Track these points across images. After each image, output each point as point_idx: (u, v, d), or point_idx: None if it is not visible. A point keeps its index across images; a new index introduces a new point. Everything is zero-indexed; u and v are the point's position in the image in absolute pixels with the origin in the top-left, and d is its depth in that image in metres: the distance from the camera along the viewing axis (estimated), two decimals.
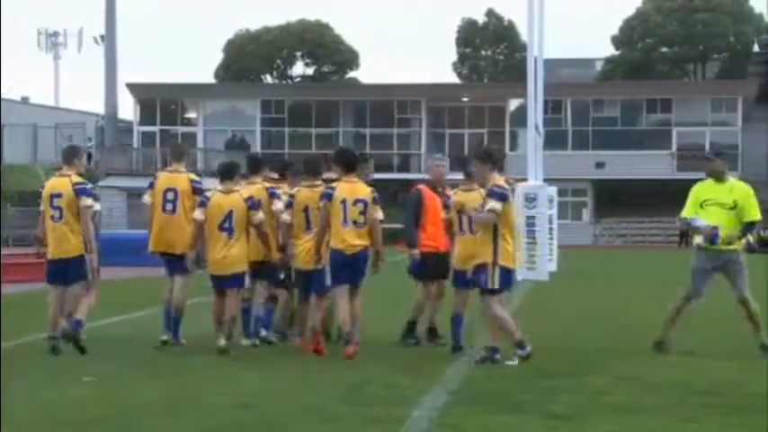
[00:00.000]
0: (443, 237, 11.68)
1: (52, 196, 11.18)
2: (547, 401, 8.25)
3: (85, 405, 8.13)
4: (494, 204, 10.38)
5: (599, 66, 74.31)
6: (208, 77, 77.06)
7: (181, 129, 58.96)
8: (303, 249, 11.19)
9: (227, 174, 11.53)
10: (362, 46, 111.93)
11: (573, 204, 53.84)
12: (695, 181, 12.03)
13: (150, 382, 9.20)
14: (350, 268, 10.79)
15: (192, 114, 60.07)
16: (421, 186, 12.10)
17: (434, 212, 11.75)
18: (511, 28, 76.52)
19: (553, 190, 15.17)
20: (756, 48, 63.76)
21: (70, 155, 11.60)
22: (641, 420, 7.60)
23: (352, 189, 10.85)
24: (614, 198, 53.28)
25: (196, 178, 11.98)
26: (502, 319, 10.35)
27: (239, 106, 59.40)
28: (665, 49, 72.80)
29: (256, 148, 56.26)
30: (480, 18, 78.44)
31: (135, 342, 12.17)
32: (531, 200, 14.54)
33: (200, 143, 56.96)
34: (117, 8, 54.71)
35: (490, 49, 78.52)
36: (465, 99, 58.89)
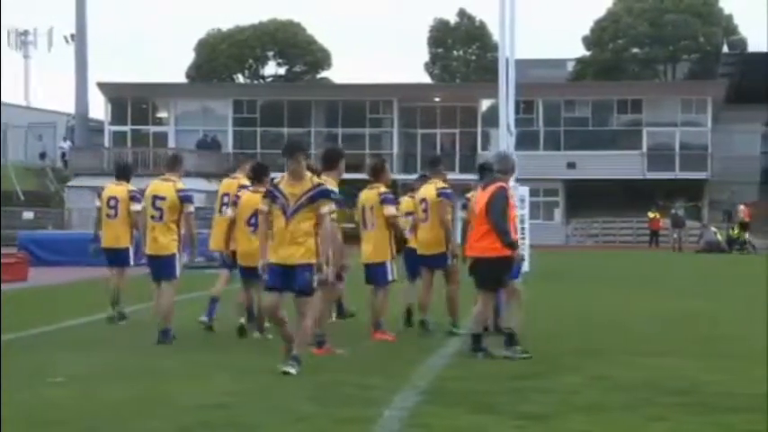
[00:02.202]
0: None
1: (155, 198, 12.27)
2: (518, 401, 8.28)
3: (57, 406, 8.10)
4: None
5: (570, 66, 74.62)
6: (179, 77, 76.88)
7: (152, 128, 58.76)
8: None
9: (261, 175, 12.44)
10: (334, 46, 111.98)
11: (545, 204, 54.01)
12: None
13: (122, 383, 9.17)
14: None
15: (163, 114, 59.86)
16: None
17: None
18: (482, 28, 76.75)
19: (525, 190, 15.30)
20: (726, 49, 64.13)
21: (174, 162, 12.80)
22: (611, 419, 7.65)
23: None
24: (586, 198, 53.50)
25: (183, 187, 12.43)
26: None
27: (211, 106, 59.24)
28: (635, 50, 73.25)
29: (228, 148, 56.18)
30: (452, 18, 78.68)
31: (107, 342, 12.15)
32: None
33: (171, 143, 56.75)
34: (87, 7, 54.54)
35: (462, 50, 78.72)
36: (437, 99, 58.97)
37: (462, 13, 78.41)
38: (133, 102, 58.34)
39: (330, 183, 10.75)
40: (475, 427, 7.40)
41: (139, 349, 11.48)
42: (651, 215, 50.71)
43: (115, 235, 14.62)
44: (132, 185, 14.74)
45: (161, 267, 12.27)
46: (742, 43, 66.26)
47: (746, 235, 45.55)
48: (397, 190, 15.45)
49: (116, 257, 14.69)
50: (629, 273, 27.96)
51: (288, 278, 9.60)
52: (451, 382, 9.27)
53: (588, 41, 74.42)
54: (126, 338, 12.59)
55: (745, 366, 10.24)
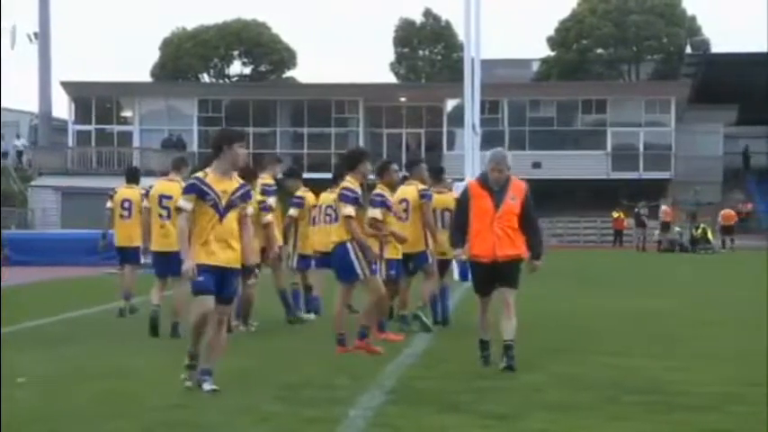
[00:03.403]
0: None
1: (162, 197, 13.11)
2: (483, 400, 8.32)
3: (20, 406, 8.05)
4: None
5: (535, 66, 74.88)
6: (144, 76, 76.52)
7: (117, 128, 58.43)
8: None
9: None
10: (300, 45, 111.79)
11: None
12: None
13: (84, 383, 9.13)
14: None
15: (128, 113, 59.51)
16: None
17: None
18: (448, 28, 76.89)
19: None
20: (689, 49, 64.57)
21: (179, 163, 13.66)
22: (574, 418, 7.69)
23: None
24: (550, 198, 53.67)
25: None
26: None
27: (176, 105, 58.96)
28: (599, 51, 73.62)
29: (193, 147, 55.95)
30: (418, 18, 78.77)
31: (69, 342, 12.09)
32: None
33: (136, 142, 56.46)
34: (51, 5, 54.15)
35: (427, 49, 78.83)
36: (402, 99, 59.01)
37: (428, 13, 78.52)
38: (97, 101, 57.97)
39: (352, 183, 11.10)
40: (440, 426, 7.43)
41: (102, 349, 11.43)
42: (615, 215, 51.03)
43: (128, 235, 15.35)
44: (141, 188, 15.21)
45: (170, 263, 12.53)
46: (705, 44, 66.71)
47: (667, 235, 46.20)
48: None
49: (129, 255, 15.43)
50: (593, 272, 28.11)
51: (220, 282, 8.90)
52: (417, 381, 9.29)
53: (553, 42, 74.71)
54: (89, 338, 12.53)
55: (706, 365, 10.34)
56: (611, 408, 8.04)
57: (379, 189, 12.26)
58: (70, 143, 56.51)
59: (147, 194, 13.75)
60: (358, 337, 11.17)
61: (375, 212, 11.86)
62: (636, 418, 7.67)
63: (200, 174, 9.05)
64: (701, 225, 46.89)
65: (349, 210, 11.10)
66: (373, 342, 11.34)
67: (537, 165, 55.03)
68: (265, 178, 13.83)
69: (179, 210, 9.03)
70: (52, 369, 9.95)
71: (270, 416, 7.68)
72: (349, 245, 11.11)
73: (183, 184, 12.51)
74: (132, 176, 15.91)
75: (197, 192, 8.90)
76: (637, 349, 11.59)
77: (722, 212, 48.83)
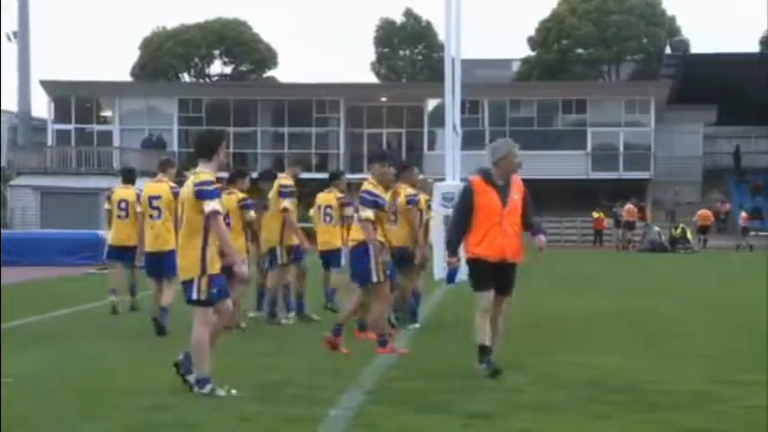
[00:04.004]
0: None
1: (151, 198, 13.34)
2: (464, 400, 8.33)
3: (4, 406, 8.02)
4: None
5: (515, 66, 75.02)
6: (124, 75, 76.32)
7: (96, 127, 58.19)
8: None
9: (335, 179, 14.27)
10: (281, 45, 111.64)
11: None
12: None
13: (67, 383, 9.11)
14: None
15: (107, 113, 59.28)
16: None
17: None
18: (429, 28, 77.02)
19: None
20: (668, 50, 64.82)
21: (165, 165, 13.83)
22: (554, 417, 7.73)
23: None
24: (531, 198, 53.78)
25: (176, 186, 13.21)
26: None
27: (156, 105, 58.77)
28: (580, 51, 73.81)
29: (173, 147, 55.80)
30: (398, 18, 78.85)
31: (51, 342, 12.05)
32: (448, 199, 14.67)
33: (116, 142, 56.23)
34: (30, 4, 53.90)
35: (408, 49, 78.91)
36: (383, 99, 59.00)
37: (408, 13, 78.63)
38: (77, 100, 57.73)
39: (374, 186, 11.32)
40: (421, 426, 7.44)
41: (85, 349, 11.40)
42: (595, 215, 51.17)
43: (126, 234, 15.48)
44: (138, 189, 15.39)
45: (161, 263, 12.94)
46: (684, 45, 66.99)
47: (629, 234, 46.69)
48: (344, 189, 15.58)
49: (124, 255, 15.59)
50: (574, 272, 28.17)
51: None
52: (398, 381, 9.30)
53: (533, 42, 74.87)
54: (71, 339, 12.50)
55: (686, 364, 10.40)
56: (592, 407, 8.08)
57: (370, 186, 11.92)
58: (50, 143, 56.27)
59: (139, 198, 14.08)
60: (380, 345, 11.17)
61: (368, 213, 11.73)
62: (616, 417, 7.71)
63: (212, 177, 8.70)
64: (681, 225, 47.12)
65: (368, 213, 11.13)
66: (342, 342, 11.36)
67: (517, 165, 55.06)
68: (284, 179, 13.87)
69: (217, 213, 8.58)
70: (35, 369, 9.92)
71: (251, 415, 7.68)
72: (370, 247, 11.16)
73: (171, 184, 13.05)
74: (128, 177, 16.09)
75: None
76: (616, 349, 11.63)
77: (699, 212, 49.11)
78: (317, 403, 8.14)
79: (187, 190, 8.73)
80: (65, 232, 32.86)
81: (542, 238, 9.98)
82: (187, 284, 8.65)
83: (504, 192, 9.61)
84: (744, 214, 49.32)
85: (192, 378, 8.64)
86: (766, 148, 61.02)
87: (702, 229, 47.84)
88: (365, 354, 10.96)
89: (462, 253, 9.93)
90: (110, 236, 15.91)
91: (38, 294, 18.08)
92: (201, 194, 8.54)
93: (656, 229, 47.28)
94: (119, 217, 15.60)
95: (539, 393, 8.68)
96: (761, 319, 14.25)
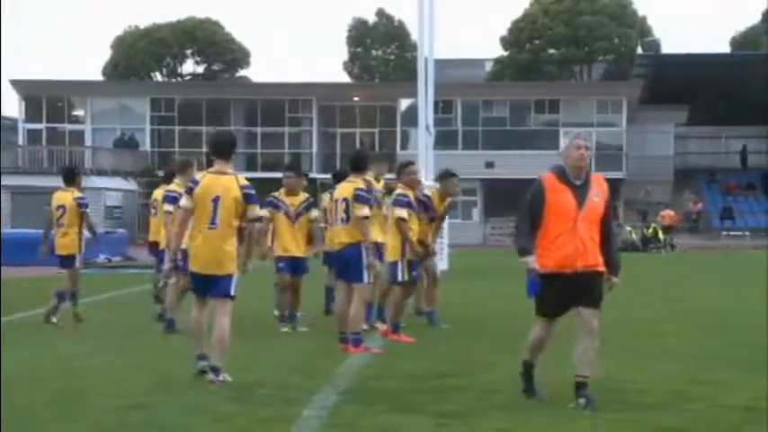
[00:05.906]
0: None
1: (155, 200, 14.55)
2: (438, 400, 8.32)
3: None
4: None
5: (488, 66, 75.22)
6: (96, 74, 75.94)
7: (68, 126, 57.95)
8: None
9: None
10: (253, 44, 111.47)
11: (463, 204, 54.23)
12: None
13: (39, 384, 9.04)
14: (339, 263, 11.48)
15: (79, 112, 59.03)
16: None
17: None
18: (401, 28, 77.09)
19: None
20: (640, 50, 65.14)
21: (185, 166, 13.68)
22: (530, 417, 7.72)
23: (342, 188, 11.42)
24: (504, 197, 53.90)
25: (168, 188, 13.78)
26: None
27: (128, 104, 58.55)
28: (552, 51, 74.05)
29: (146, 146, 55.61)
30: (371, 18, 78.89)
31: (23, 343, 11.96)
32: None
33: (88, 141, 56.02)
34: (0, 1, 53.53)
35: (381, 49, 78.95)
36: (356, 98, 59.01)
37: (381, 13, 78.68)
38: (48, 99, 57.46)
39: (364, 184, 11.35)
40: (395, 426, 7.42)
41: (55, 350, 11.31)
42: None
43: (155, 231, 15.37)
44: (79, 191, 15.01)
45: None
46: (656, 45, 67.39)
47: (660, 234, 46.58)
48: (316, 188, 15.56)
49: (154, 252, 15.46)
50: None
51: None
52: (372, 381, 9.28)
53: (506, 42, 75.06)
54: (41, 340, 12.41)
55: (659, 364, 10.42)
56: (566, 407, 8.07)
57: (401, 189, 12.65)
58: (21, 142, 55.96)
59: (173, 198, 13.01)
60: (354, 345, 11.13)
61: (402, 212, 12.42)
62: (592, 417, 7.71)
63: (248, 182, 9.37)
64: (653, 225, 47.33)
65: (365, 211, 11.09)
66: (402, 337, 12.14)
67: (490, 164, 55.23)
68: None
69: (261, 219, 9.83)
70: (7, 369, 9.82)
71: (224, 416, 7.64)
72: (362, 247, 11.08)
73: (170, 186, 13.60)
74: (69, 177, 14.98)
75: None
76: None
77: (662, 213, 49.28)
78: (291, 403, 8.11)
79: (225, 189, 9.15)
80: (34, 232, 32.58)
81: (615, 280, 8.71)
82: (225, 279, 9.18)
83: (581, 192, 8.14)
84: (669, 213, 49.23)
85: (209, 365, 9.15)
86: (737, 147, 61.38)
87: (667, 230, 47.79)
88: (338, 353, 10.93)
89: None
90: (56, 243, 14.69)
91: (9, 295, 17.92)
92: (250, 198, 9.26)
93: (628, 228, 47.49)
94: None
95: (512, 393, 8.67)
96: (734, 318, 14.31)
